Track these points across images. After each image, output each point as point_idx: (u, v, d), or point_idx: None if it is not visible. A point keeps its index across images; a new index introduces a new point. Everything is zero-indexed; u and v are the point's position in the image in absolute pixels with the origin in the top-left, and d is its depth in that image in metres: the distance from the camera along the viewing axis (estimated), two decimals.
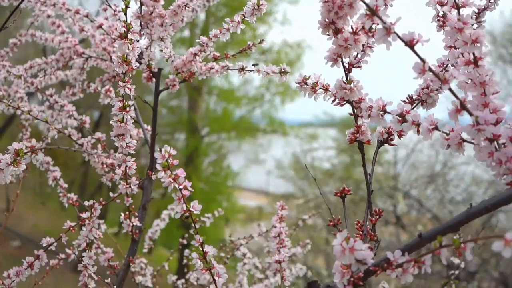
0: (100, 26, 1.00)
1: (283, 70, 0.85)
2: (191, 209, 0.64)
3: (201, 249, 0.66)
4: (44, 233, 1.04)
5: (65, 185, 1.12)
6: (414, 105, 0.71)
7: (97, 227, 0.91)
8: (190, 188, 0.64)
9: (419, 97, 0.71)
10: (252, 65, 0.96)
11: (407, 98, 0.72)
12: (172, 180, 0.63)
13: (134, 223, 0.98)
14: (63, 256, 1.07)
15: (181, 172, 0.64)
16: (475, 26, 0.75)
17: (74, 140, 1.02)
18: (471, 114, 0.52)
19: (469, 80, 0.57)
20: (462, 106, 0.53)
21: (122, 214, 0.98)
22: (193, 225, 0.66)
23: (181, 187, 0.63)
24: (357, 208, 6.74)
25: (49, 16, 1.21)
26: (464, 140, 0.56)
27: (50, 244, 0.93)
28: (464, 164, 7.18)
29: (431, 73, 0.54)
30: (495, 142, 0.52)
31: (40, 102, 1.31)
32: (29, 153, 0.68)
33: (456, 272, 1.09)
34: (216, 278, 0.66)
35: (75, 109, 1.19)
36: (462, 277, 5.73)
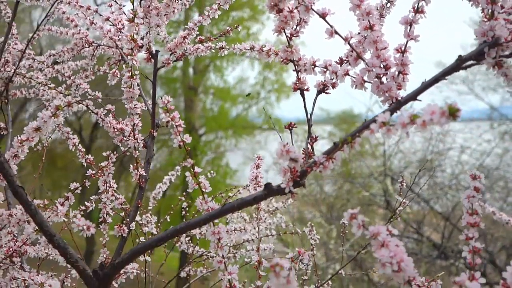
0: (107, 19, 1.26)
1: (252, 47, 1.12)
2: (184, 139, 0.91)
3: (192, 169, 0.93)
4: None
5: (83, 149, 1.38)
6: (343, 64, 0.98)
7: (112, 173, 1.18)
8: (183, 125, 0.91)
9: (347, 58, 0.98)
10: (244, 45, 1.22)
11: (338, 59, 0.99)
12: (170, 119, 0.90)
13: (141, 173, 1.25)
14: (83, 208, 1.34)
15: (176, 114, 0.91)
16: (388, 4, 1.02)
17: (91, 109, 1.28)
18: (364, 61, 0.79)
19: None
20: (358, 56, 0.80)
21: (131, 166, 1.25)
22: (186, 152, 0.93)
23: (177, 123, 0.90)
24: (349, 195, 7.02)
25: (64, 13, 1.48)
26: (365, 81, 0.83)
27: (76, 188, 1.19)
28: (451, 150, 7.45)
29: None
30: (381, 79, 0.79)
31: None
32: (66, 107, 0.95)
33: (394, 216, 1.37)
34: (203, 190, 0.93)
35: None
36: (450, 256, 6.01)
